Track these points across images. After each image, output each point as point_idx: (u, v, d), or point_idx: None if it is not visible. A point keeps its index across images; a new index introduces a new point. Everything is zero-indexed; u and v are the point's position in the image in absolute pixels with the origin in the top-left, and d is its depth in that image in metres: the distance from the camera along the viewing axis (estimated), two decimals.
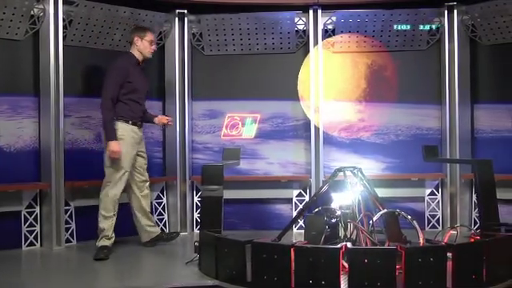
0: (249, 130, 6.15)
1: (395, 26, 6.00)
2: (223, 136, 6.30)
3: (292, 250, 3.56)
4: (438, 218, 6.15)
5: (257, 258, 3.66)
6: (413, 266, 3.49)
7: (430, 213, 6.17)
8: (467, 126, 6.12)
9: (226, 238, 3.94)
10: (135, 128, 5.13)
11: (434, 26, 6.05)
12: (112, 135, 4.94)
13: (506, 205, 5.88)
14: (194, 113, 6.32)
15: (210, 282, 3.90)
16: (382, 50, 6.20)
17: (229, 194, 6.13)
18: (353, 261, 3.48)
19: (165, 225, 6.13)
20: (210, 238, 4.04)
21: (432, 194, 6.19)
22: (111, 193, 4.99)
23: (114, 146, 4.91)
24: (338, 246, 3.56)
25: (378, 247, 3.80)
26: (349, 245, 3.66)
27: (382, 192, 5.96)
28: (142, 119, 5.25)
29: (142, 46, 5.19)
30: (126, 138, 5.04)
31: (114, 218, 5.03)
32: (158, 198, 6.14)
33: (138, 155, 5.22)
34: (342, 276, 3.47)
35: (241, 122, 6.26)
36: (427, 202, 6.19)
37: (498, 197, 5.83)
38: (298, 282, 3.53)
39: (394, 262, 3.45)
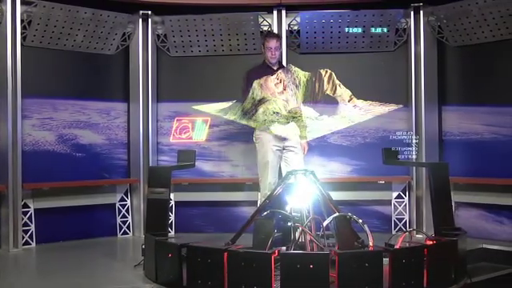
0: (200, 133, 6.11)
1: (346, 30, 5.91)
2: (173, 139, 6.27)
3: (225, 254, 3.51)
4: (405, 222, 6.06)
5: (191, 261, 3.62)
6: (347, 271, 3.43)
7: (397, 216, 6.08)
8: (435, 129, 6.03)
9: (163, 241, 3.89)
10: None
11: (385, 29, 5.94)
12: None
13: (473, 208, 5.82)
14: (160, 114, 6.27)
15: (148, 285, 3.85)
16: (349, 50, 6.11)
17: (194, 197, 6.20)
18: (285, 265, 3.42)
19: (128, 227, 6.09)
20: (151, 240, 3.99)
21: (399, 197, 6.10)
22: None
23: None
24: (270, 250, 3.50)
25: (309, 252, 3.74)
26: (283, 249, 3.60)
27: (348, 195, 5.99)
28: None
29: (265, 53, 5.33)
30: None
31: None
32: (122, 200, 6.10)
33: None
34: (274, 281, 3.42)
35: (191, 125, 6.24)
36: (394, 205, 6.09)
37: (465, 200, 5.83)
38: (231, 287, 3.48)
39: (326, 267, 3.39)
